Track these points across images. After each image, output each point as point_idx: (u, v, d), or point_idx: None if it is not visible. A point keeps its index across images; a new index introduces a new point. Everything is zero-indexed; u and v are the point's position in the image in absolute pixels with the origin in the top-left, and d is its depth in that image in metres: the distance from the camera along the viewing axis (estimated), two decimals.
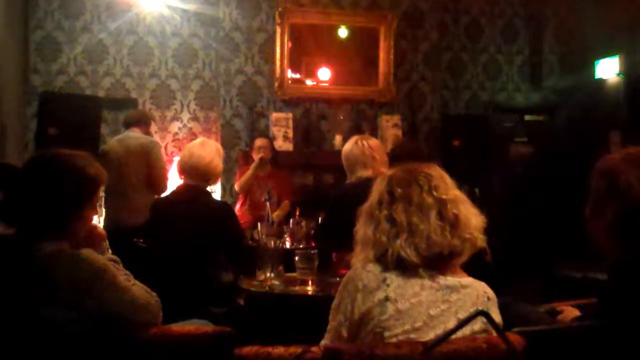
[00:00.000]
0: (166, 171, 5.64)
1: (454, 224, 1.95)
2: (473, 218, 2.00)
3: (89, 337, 2.08)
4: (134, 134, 5.54)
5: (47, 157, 2.29)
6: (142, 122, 5.70)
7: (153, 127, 6.49)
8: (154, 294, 2.31)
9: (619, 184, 2.11)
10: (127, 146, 5.43)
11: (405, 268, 1.92)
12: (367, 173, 3.79)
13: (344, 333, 1.94)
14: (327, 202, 4.10)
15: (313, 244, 4.27)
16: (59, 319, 2.05)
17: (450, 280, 1.93)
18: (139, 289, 2.25)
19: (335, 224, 3.64)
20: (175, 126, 6.95)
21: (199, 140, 4.17)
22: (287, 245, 4.41)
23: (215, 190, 6.44)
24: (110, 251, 2.43)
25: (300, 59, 7.09)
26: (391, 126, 6.86)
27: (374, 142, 4.01)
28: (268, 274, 3.37)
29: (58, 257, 2.11)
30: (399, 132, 6.88)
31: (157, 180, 5.40)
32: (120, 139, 5.59)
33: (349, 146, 3.96)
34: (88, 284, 2.09)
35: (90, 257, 2.14)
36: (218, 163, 3.92)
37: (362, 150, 3.87)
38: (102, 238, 2.39)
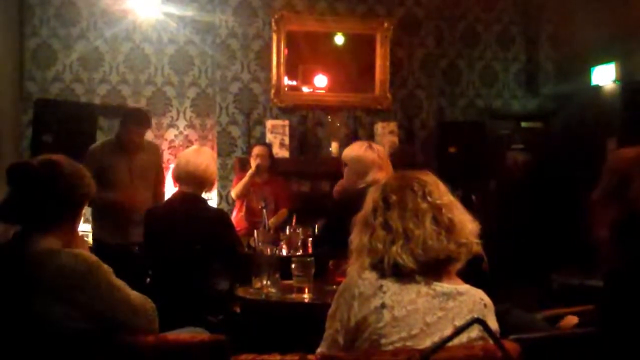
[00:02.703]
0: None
1: (449, 228, 1.95)
2: (468, 223, 2.00)
3: (84, 343, 2.08)
4: None
5: (54, 161, 2.33)
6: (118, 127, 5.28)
7: (149, 135, 5.92)
8: (150, 300, 2.31)
9: (630, 186, 2.11)
10: None
11: (401, 275, 1.91)
12: (381, 175, 3.63)
13: (340, 341, 1.93)
14: (331, 207, 4.05)
15: (310, 252, 4.27)
16: (54, 316, 2.08)
17: (446, 287, 1.92)
18: (134, 293, 2.26)
19: (340, 228, 3.60)
20: (171, 133, 6.95)
21: (192, 147, 4.19)
22: (284, 252, 4.40)
23: (212, 198, 6.42)
24: None
25: (297, 66, 7.07)
26: (387, 133, 6.84)
27: (382, 147, 4.09)
28: (264, 282, 3.36)
29: (54, 253, 2.14)
30: (396, 139, 6.85)
31: None
32: None
33: (360, 150, 3.83)
34: (83, 279, 2.11)
35: (85, 254, 2.18)
36: (214, 170, 3.94)
37: (378, 154, 3.81)
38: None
